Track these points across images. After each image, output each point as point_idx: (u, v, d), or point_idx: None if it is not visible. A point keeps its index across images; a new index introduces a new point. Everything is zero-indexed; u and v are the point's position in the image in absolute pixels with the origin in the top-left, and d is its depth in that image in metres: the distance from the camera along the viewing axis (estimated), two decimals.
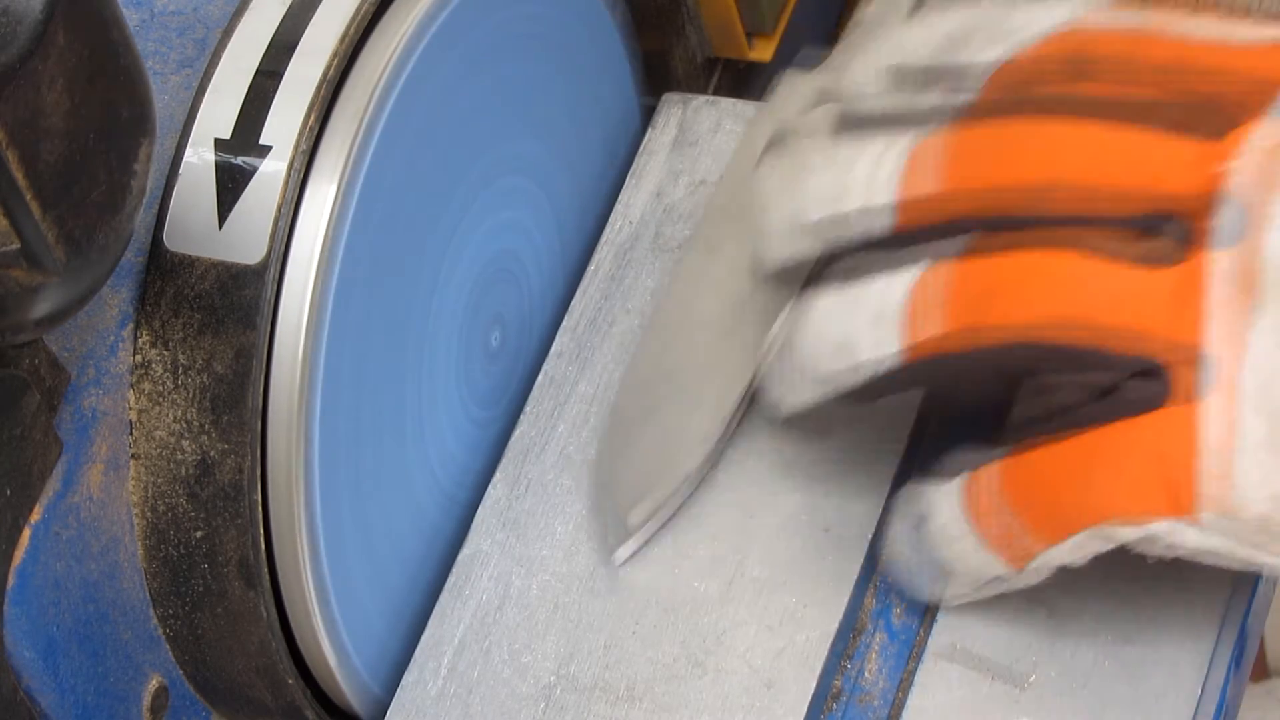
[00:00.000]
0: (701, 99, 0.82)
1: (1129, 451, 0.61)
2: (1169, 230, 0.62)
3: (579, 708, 0.69)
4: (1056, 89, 0.65)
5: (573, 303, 0.78)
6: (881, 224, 0.66)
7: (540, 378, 0.77)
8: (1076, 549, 0.63)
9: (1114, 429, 0.62)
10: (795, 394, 0.67)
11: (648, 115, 0.83)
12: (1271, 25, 0.64)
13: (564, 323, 0.78)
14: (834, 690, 0.69)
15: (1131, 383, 0.62)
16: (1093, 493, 0.62)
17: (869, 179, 0.66)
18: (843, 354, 0.65)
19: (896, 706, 0.68)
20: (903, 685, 0.68)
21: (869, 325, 0.65)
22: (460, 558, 0.74)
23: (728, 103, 0.82)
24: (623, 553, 0.72)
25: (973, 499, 0.65)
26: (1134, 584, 0.67)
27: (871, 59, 0.70)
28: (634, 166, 0.81)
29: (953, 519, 0.65)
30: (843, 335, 0.65)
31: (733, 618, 0.70)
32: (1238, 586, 0.67)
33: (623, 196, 0.80)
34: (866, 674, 0.69)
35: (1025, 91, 0.66)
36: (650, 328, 0.76)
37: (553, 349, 0.78)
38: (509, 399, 0.78)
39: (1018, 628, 0.68)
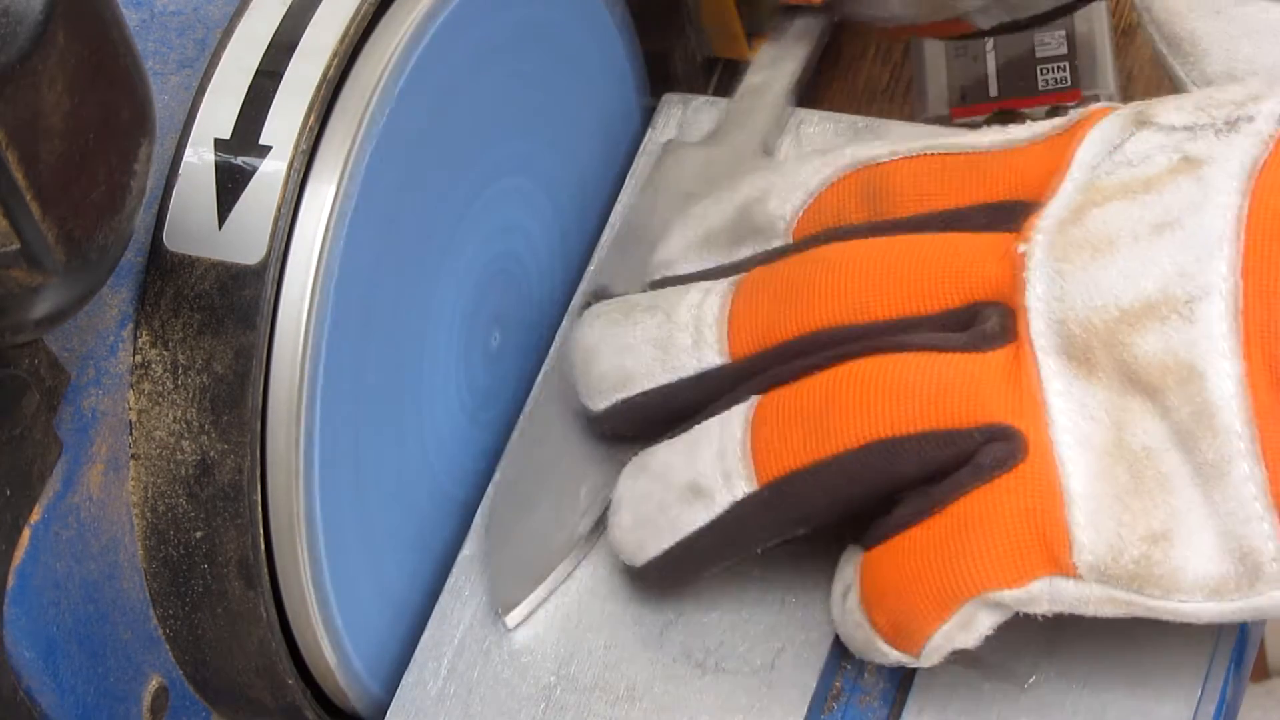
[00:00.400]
0: (701, 99, 0.82)
1: (995, 513, 0.62)
2: (992, 316, 0.64)
3: (579, 708, 0.69)
4: (860, 219, 0.68)
5: (572, 303, 0.78)
6: (711, 360, 0.68)
7: (540, 378, 0.77)
8: (964, 625, 0.63)
9: (976, 495, 0.62)
10: (652, 542, 0.68)
11: (648, 115, 0.83)
12: (1043, 123, 0.68)
13: (564, 323, 0.78)
14: (834, 690, 0.69)
15: (985, 449, 0.62)
16: (967, 562, 0.62)
17: (695, 319, 0.68)
18: (694, 495, 0.66)
19: (896, 706, 0.68)
20: (903, 685, 0.68)
21: (714, 463, 0.66)
22: (460, 558, 0.74)
23: (727, 103, 0.82)
24: (512, 619, 0.72)
25: (861, 587, 0.65)
26: None
27: (677, 235, 0.73)
28: (634, 166, 0.81)
29: (860, 603, 0.66)
30: (689, 479, 0.67)
31: (733, 617, 0.70)
32: None
33: (622, 196, 0.80)
34: (866, 674, 0.69)
35: (831, 223, 0.69)
36: (546, 382, 0.76)
37: (552, 349, 0.77)
38: (509, 399, 0.78)
39: (1018, 628, 0.68)
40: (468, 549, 0.74)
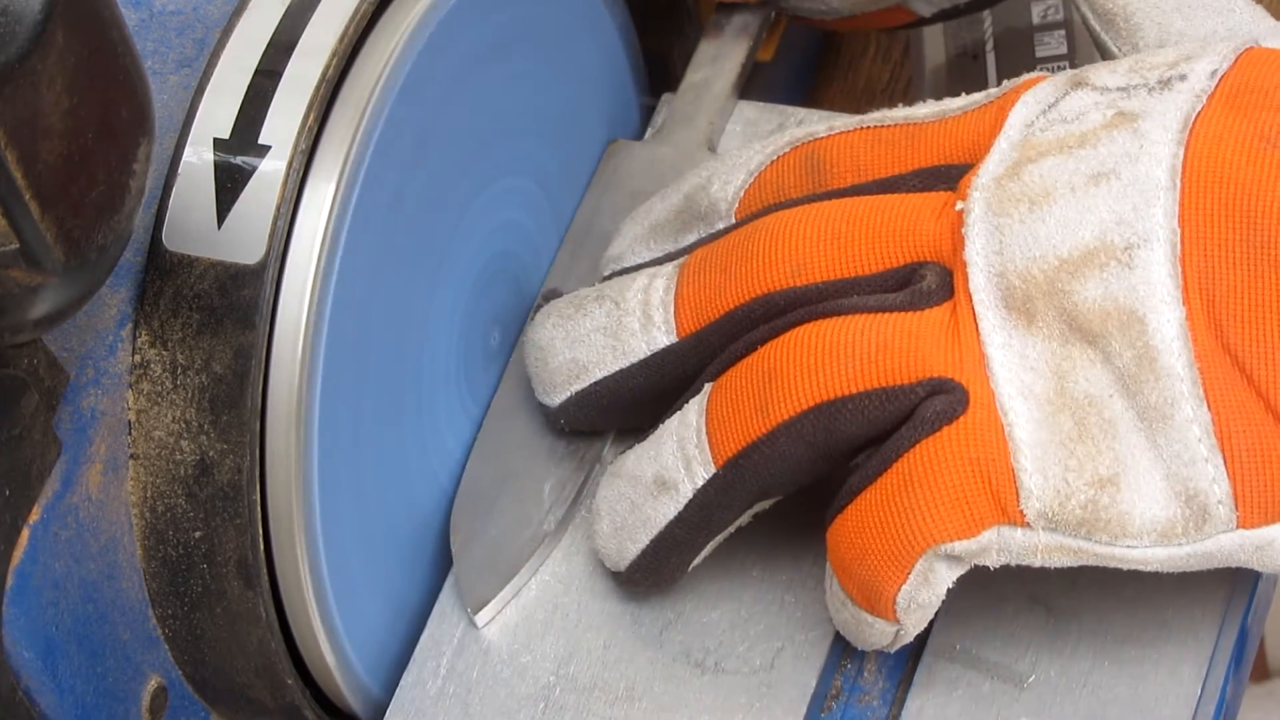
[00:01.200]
0: None
1: (941, 465, 0.62)
2: (928, 274, 0.64)
3: (578, 708, 0.69)
4: (800, 193, 0.69)
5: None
6: (660, 341, 0.69)
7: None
8: (924, 580, 0.63)
9: (921, 448, 0.62)
10: (631, 544, 0.69)
11: (648, 115, 0.83)
12: (977, 94, 0.69)
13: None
14: (834, 690, 0.69)
15: (926, 403, 0.62)
16: (917, 516, 0.62)
17: (643, 303, 0.69)
18: (661, 489, 0.67)
19: (896, 706, 0.68)
20: (902, 685, 0.68)
21: (676, 453, 0.67)
22: None
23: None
24: (482, 618, 0.72)
25: (832, 562, 0.65)
26: (1134, 584, 0.67)
27: (626, 231, 0.74)
28: None
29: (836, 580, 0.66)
30: (655, 474, 0.67)
31: (733, 618, 0.70)
32: (1237, 586, 0.68)
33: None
34: (866, 674, 0.69)
35: (773, 200, 0.70)
36: (507, 382, 0.76)
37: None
38: None
39: (1018, 628, 0.68)
40: None
